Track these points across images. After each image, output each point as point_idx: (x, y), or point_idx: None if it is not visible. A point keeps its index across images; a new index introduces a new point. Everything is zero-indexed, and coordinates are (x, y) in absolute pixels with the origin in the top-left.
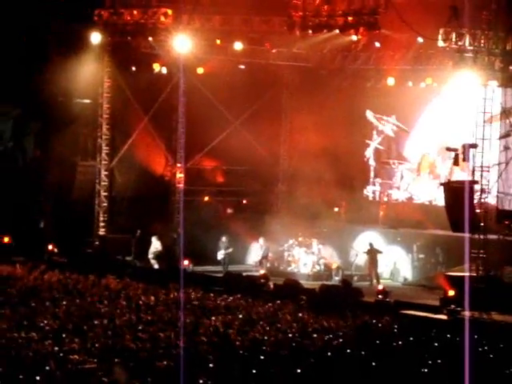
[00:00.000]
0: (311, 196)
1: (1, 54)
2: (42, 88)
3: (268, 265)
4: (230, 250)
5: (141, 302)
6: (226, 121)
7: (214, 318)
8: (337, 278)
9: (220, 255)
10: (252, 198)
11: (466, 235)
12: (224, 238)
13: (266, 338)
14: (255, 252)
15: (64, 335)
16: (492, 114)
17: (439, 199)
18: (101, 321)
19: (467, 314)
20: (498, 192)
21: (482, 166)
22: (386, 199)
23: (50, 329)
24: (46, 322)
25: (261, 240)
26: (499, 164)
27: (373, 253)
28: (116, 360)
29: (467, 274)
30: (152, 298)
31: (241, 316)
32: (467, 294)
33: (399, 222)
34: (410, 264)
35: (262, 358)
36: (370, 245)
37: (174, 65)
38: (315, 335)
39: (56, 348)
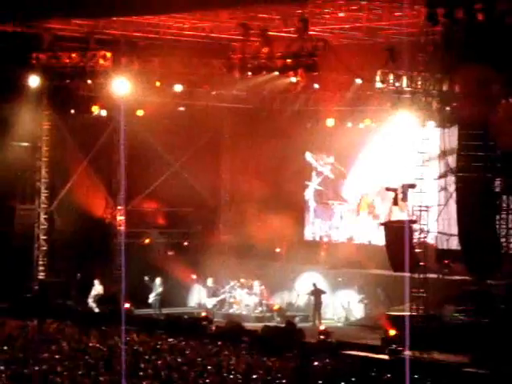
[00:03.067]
0: (252, 237)
1: None
2: None
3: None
4: (160, 290)
5: (82, 346)
6: (167, 163)
7: (156, 360)
8: (279, 319)
9: (151, 298)
10: (193, 240)
11: (406, 275)
12: (158, 280)
13: (208, 380)
14: (200, 293)
15: None
16: (430, 155)
17: (379, 239)
18: (40, 367)
19: (408, 353)
20: (437, 232)
21: (420, 206)
22: (326, 239)
23: None
24: None
25: (209, 280)
26: (438, 204)
27: (317, 293)
28: None
29: (408, 313)
30: (93, 341)
31: (182, 358)
32: (408, 333)
33: (340, 262)
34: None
35: None
36: (314, 285)
37: (113, 107)
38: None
39: None
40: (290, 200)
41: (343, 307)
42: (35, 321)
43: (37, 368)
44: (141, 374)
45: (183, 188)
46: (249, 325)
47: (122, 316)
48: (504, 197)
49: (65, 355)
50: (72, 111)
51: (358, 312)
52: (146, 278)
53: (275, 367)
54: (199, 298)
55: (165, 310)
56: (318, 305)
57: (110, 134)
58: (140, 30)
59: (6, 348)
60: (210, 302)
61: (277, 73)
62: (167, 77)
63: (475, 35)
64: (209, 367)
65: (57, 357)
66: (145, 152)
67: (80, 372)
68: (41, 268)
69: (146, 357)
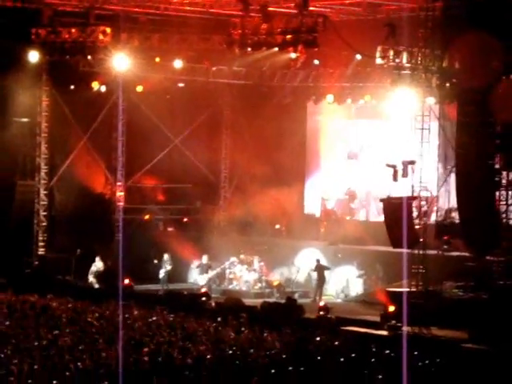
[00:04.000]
0: (252, 213)
1: None
2: None
3: (212, 283)
4: (169, 267)
5: (82, 323)
6: (167, 138)
7: (156, 336)
8: (278, 295)
9: (161, 273)
10: (193, 216)
11: (405, 251)
12: (166, 256)
13: (207, 356)
14: (197, 270)
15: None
16: (429, 131)
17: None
18: (40, 342)
19: (407, 329)
20: (437, 207)
21: (420, 182)
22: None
23: None
24: None
25: (204, 257)
26: (438, 180)
27: (320, 269)
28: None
29: (407, 289)
30: (93, 317)
31: (182, 334)
32: (406, 309)
33: (339, 238)
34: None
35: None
36: (317, 261)
37: (113, 83)
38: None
39: None
40: (289, 175)
41: (352, 284)
42: (35, 296)
43: (36, 343)
44: (141, 349)
45: (183, 164)
46: (248, 301)
47: (119, 291)
48: (504, 173)
49: (64, 330)
50: (72, 87)
51: (357, 288)
52: (155, 261)
53: (274, 343)
54: (202, 273)
55: (171, 286)
56: (320, 281)
57: (110, 109)
58: (140, 6)
59: (7, 323)
60: (203, 279)
61: (276, 49)
62: (167, 53)
63: (475, 11)
64: (208, 343)
65: (56, 332)
66: (144, 128)
67: (80, 347)
68: (41, 244)
69: (146, 332)
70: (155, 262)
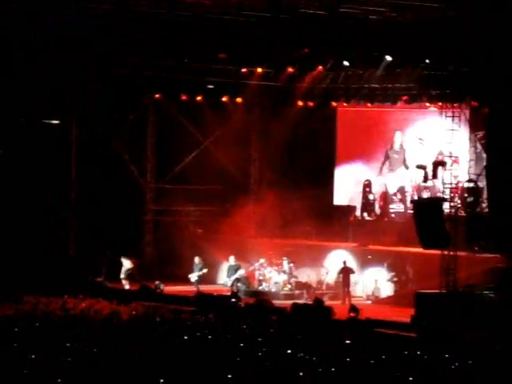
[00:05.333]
0: (282, 214)
1: None
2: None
3: (239, 284)
4: (205, 270)
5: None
6: (197, 140)
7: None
8: (307, 297)
9: (194, 277)
10: (223, 218)
11: (436, 252)
12: (197, 259)
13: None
14: (225, 271)
15: None
16: (460, 132)
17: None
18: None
19: (438, 330)
20: (467, 209)
21: (451, 184)
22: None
23: None
24: None
25: (231, 259)
26: (468, 181)
27: (346, 271)
28: None
29: (437, 291)
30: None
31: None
32: (437, 311)
33: (369, 239)
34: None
35: None
36: (344, 263)
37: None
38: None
39: None
40: (318, 176)
41: (381, 285)
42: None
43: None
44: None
45: (213, 166)
46: (278, 302)
47: (151, 292)
48: None
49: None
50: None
51: (387, 290)
52: (196, 261)
53: (304, 344)
54: (228, 275)
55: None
56: (346, 283)
57: (141, 111)
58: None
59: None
60: (230, 280)
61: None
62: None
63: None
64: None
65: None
66: (176, 130)
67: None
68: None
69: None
70: (196, 261)
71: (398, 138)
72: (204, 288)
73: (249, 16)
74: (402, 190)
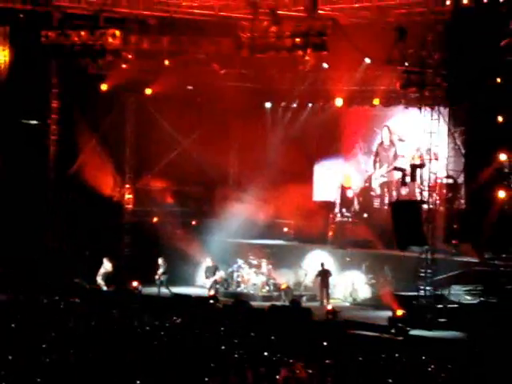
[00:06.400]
0: (261, 216)
1: None
2: None
3: (217, 286)
4: (164, 272)
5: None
6: (175, 141)
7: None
8: (286, 299)
9: (157, 276)
10: (201, 219)
11: (414, 254)
12: (160, 260)
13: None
14: (204, 272)
15: None
16: (439, 134)
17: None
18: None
19: (415, 332)
20: (446, 211)
21: (429, 186)
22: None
23: None
24: None
25: (208, 260)
26: (446, 183)
27: (324, 273)
28: None
29: (415, 293)
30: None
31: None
32: (414, 313)
33: (348, 242)
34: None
35: None
36: (322, 265)
37: (122, 85)
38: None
39: None
40: (298, 179)
41: (358, 287)
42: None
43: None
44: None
45: (191, 166)
46: (256, 304)
47: (129, 294)
48: None
49: (74, 333)
50: (81, 89)
51: (365, 291)
52: (160, 261)
53: (282, 347)
54: (206, 276)
55: (173, 289)
56: (325, 285)
57: (119, 112)
58: (149, 9)
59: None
60: (208, 282)
61: (285, 52)
62: (176, 55)
63: (483, 14)
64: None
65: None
66: (153, 130)
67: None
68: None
69: (154, 335)
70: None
71: (385, 134)
72: (182, 290)
73: (228, 17)
74: (385, 186)
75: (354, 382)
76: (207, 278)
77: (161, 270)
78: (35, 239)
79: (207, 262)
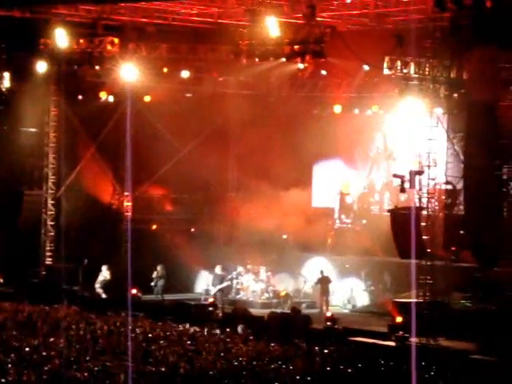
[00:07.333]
0: (260, 223)
1: None
2: None
3: (218, 293)
4: (161, 280)
5: (90, 333)
6: (174, 149)
7: (162, 346)
8: (285, 306)
9: (153, 284)
10: (200, 226)
11: (413, 261)
12: (159, 267)
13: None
14: (208, 280)
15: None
16: (437, 141)
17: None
18: (48, 352)
19: (414, 340)
20: (445, 217)
21: (428, 192)
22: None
23: None
24: None
25: (218, 268)
26: (447, 183)
27: (323, 280)
28: None
29: (415, 300)
30: (101, 327)
31: (189, 344)
32: (414, 320)
33: (347, 249)
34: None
35: None
36: (321, 272)
37: (120, 93)
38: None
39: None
40: (297, 186)
41: (357, 294)
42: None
43: (44, 353)
44: (149, 359)
45: (190, 174)
46: (255, 311)
47: (128, 302)
48: (511, 184)
49: (72, 340)
50: (80, 97)
51: (364, 299)
52: (158, 268)
53: (282, 353)
54: (207, 284)
55: (168, 296)
56: (324, 292)
57: (118, 119)
58: (147, 16)
59: (14, 333)
60: (214, 289)
61: (284, 59)
62: (174, 63)
63: (483, 21)
64: (216, 353)
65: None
66: (152, 138)
67: (88, 357)
68: (48, 253)
69: (153, 342)
70: (158, 268)
71: (380, 140)
72: (181, 297)
73: (227, 25)
74: (384, 192)
75: None
76: (213, 285)
77: (155, 274)
78: (33, 247)
79: (217, 270)
